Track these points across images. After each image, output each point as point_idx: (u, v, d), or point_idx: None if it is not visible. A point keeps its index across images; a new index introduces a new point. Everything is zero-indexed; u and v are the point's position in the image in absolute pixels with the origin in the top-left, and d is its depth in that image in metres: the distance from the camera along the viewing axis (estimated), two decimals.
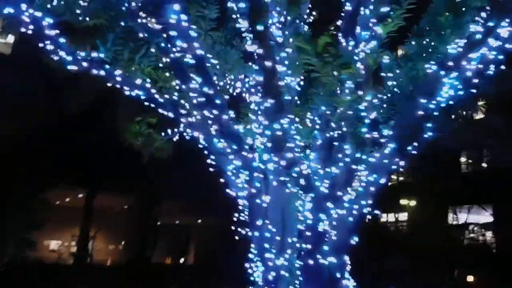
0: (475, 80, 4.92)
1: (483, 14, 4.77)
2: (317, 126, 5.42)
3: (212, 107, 5.33)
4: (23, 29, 5.31)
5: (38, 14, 5.30)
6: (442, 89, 4.97)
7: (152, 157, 7.96)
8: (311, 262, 5.03)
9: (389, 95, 5.22)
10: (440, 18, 4.98)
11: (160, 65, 5.99)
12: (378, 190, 5.30)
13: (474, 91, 5.00)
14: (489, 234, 20.51)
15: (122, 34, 5.82)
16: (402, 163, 5.19)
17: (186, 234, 29.29)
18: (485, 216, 21.14)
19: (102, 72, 5.63)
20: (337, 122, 5.15)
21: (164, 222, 26.14)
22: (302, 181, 5.11)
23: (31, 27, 5.30)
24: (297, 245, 5.29)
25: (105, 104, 15.67)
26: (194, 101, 5.33)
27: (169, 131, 7.69)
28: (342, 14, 5.27)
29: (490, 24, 4.69)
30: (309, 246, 5.18)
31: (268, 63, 4.91)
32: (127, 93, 5.88)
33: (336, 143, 5.21)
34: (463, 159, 22.74)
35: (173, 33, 5.04)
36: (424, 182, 20.31)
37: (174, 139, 7.42)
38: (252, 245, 5.48)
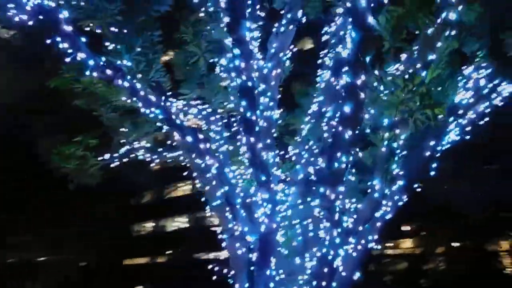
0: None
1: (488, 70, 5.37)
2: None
3: (250, 134, 5.06)
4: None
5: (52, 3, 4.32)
6: (448, 133, 5.49)
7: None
8: None
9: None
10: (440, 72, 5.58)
11: None
12: (383, 225, 5.78)
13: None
14: None
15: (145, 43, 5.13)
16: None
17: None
18: None
19: (126, 84, 4.80)
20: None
21: None
22: (336, 216, 5.22)
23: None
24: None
25: None
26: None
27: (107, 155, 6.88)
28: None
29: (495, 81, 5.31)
30: (323, 283, 5.11)
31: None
32: (142, 110, 5.15)
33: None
34: None
35: (236, 51, 4.71)
36: None
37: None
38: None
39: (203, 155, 5.32)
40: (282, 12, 6.18)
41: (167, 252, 29.10)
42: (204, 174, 5.61)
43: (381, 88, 4.34)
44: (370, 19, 3.86)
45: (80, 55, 4.48)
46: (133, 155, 7.04)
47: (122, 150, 6.97)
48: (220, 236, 5.70)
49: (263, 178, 4.94)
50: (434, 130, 5.50)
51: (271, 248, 5.06)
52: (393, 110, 4.63)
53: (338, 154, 4.61)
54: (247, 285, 5.42)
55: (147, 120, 6.31)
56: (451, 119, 5.40)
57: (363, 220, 5.51)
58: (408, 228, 21.91)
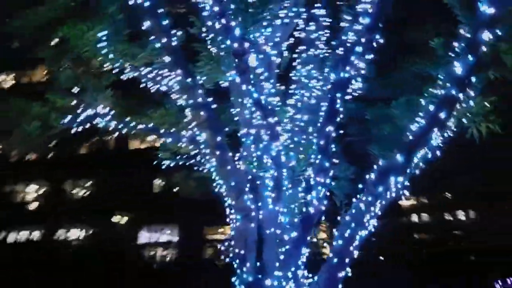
0: None
1: None
2: None
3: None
4: None
5: None
6: None
7: None
8: None
9: None
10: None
11: None
12: None
13: None
14: None
15: None
16: None
17: None
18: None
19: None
20: None
21: None
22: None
23: None
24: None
25: None
26: None
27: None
28: None
29: None
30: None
31: None
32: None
33: None
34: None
35: None
36: None
37: None
38: None
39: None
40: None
41: None
42: (225, 152, 5.48)
43: None
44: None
45: None
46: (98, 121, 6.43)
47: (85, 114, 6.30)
48: (231, 216, 5.62)
49: (327, 164, 5.09)
50: None
51: (310, 228, 5.25)
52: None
53: None
54: (258, 263, 5.50)
55: None
56: None
57: None
58: None
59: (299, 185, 5.34)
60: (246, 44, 4.63)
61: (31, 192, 27.89)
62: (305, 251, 5.25)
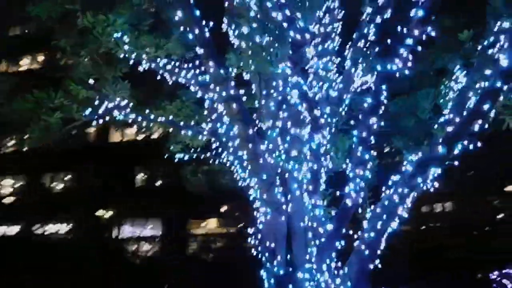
0: None
1: None
2: None
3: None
4: None
5: None
6: None
7: None
8: None
9: None
10: None
11: None
12: None
13: None
14: None
15: None
16: None
17: None
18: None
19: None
20: None
21: None
22: None
23: None
24: None
25: None
26: None
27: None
28: None
29: None
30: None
31: None
32: None
33: None
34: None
35: None
36: None
37: None
38: None
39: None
40: None
41: None
42: (257, 145, 5.45)
43: None
44: None
45: None
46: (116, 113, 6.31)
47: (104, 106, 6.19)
48: (261, 210, 5.60)
49: (366, 157, 5.13)
50: None
51: (346, 221, 5.28)
52: None
53: None
54: (288, 256, 5.52)
55: None
56: None
57: None
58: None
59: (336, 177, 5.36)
60: (308, 36, 4.62)
61: (7, 186, 27.05)
62: (339, 244, 5.28)
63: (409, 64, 4.87)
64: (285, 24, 4.70)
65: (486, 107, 4.62)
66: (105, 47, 5.89)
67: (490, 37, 5.10)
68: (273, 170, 5.63)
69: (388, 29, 5.00)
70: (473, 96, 5.11)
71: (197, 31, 5.31)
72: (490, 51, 5.04)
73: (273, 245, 5.54)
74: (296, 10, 4.67)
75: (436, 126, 5.31)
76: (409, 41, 4.67)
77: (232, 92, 5.45)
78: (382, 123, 5.39)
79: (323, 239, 5.22)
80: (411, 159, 5.02)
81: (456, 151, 4.80)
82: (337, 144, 5.29)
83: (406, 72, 4.99)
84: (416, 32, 4.64)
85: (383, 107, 5.10)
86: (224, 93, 5.45)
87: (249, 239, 5.75)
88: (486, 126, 4.76)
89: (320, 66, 6.54)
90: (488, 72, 4.94)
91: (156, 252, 22.75)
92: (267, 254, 5.60)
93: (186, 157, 7.44)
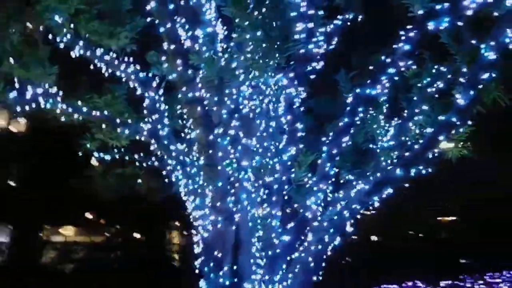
0: None
1: None
2: None
3: None
4: None
5: None
6: None
7: None
8: None
9: None
10: None
11: None
12: None
13: None
14: None
15: None
16: None
17: None
18: None
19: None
20: None
21: None
22: None
23: None
24: None
25: None
26: None
27: None
28: None
29: None
30: None
31: None
32: None
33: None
34: None
35: None
36: None
37: None
38: None
39: None
40: None
41: None
42: (216, 151, 5.24)
43: None
44: None
45: None
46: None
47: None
48: (211, 218, 5.37)
49: (332, 173, 5.24)
50: None
51: (303, 233, 5.32)
52: None
53: None
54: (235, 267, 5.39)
55: None
56: None
57: None
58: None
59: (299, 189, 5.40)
60: (321, 50, 4.60)
61: None
62: (293, 255, 5.32)
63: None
64: None
65: (441, 138, 5.08)
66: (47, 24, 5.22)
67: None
68: (227, 179, 5.50)
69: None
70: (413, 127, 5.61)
71: (169, 25, 4.98)
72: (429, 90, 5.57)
73: (220, 254, 5.38)
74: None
75: (379, 151, 5.68)
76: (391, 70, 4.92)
77: (197, 94, 5.20)
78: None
79: (278, 250, 5.22)
80: (369, 177, 5.28)
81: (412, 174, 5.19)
82: (299, 158, 5.35)
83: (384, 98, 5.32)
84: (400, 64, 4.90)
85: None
86: (190, 94, 5.17)
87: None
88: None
89: None
90: (424, 107, 5.52)
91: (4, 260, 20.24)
92: (211, 264, 5.40)
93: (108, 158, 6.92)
